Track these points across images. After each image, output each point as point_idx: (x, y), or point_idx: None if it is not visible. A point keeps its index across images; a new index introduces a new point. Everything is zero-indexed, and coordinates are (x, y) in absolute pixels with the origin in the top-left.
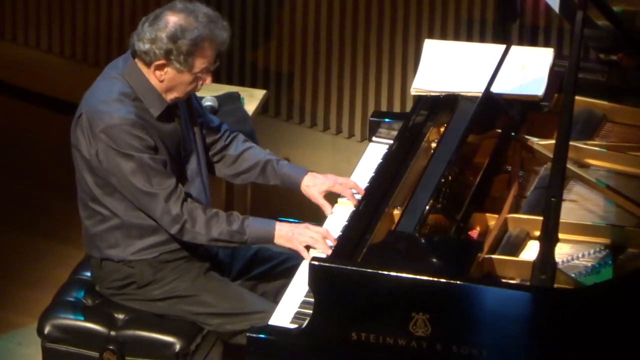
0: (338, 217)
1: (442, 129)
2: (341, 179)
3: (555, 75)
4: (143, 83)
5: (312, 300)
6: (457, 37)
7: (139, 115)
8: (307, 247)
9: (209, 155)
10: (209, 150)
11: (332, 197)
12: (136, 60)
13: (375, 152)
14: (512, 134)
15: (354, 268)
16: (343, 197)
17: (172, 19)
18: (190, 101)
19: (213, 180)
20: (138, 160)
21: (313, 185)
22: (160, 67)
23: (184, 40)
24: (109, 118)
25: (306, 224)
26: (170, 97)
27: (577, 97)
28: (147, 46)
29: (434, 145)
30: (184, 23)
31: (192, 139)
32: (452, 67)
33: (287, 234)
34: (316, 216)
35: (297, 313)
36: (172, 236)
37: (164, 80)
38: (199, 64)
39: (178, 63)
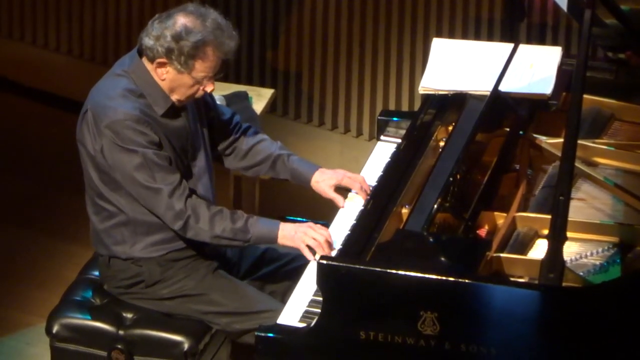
0: (347, 214)
1: (450, 128)
2: (350, 173)
3: (563, 74)
4: (148, 80)
5: (321, 299)
6: (465, 36)
7: (143, 112)
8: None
9: (220, 149)
10: (220, 143)
11: (342, 193)
12: (143, 58)
13: (383, 151)
14: (521, 132)
15: (362, 267)
16: (353, 191)
17: (181, 20)
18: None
19: (221, 178)
20: (142, 156)
21: (322, 181)
22: (161, 65)
23: (186, 42)
24: (114, 113)
25: (310, 224)
26: (172, 97)
27: (585, 96)
28: (151, 42)
29: (442, 144)
30: (191, 25)
31: (200, 135)
32: (460, 66)
33: (290, 233)
34: (325, 215)
35: (306, 312)
36: (177, 233)
37: (166, 79)
38: (200, 67)
39: (178, 63)
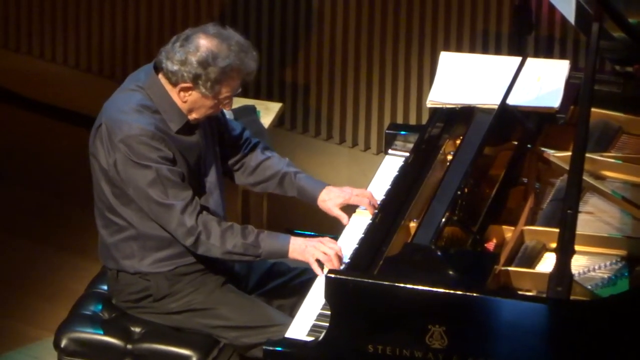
0: (355, 228)
1: (458, 141)
2: (357, 190)
3: (571, 87)
4: (164, 98)
5: (329, 312)
6: (472, 50)
7: (158, 127)
8: (319, 261)
9: (229, 164)
10: (230, 158)
11: (349, 208)
12: (159, 75)
13: (391, 164)
14: (528, 146)
15: (370, 280)
16: (362, 207)
17: (204, 44)
18: None
19: (229, 193)
20: (155, 171)
21: (329, 200)
22: (185, 89)
23: (214, 68)
24: (128, 128)
25: (320, 239)
26: (190, 116)
27: (592, 109)
28: (175, 67)
29: (450, 157)
30: (216, 50)
31: (211, 151)
32: (468, 79)
33: (301, 247)
34: (332, 230)
35: (314, 326)
36: (188, 249)
37: (187, 101)
38: (225, 91)
39: (204, 88)
